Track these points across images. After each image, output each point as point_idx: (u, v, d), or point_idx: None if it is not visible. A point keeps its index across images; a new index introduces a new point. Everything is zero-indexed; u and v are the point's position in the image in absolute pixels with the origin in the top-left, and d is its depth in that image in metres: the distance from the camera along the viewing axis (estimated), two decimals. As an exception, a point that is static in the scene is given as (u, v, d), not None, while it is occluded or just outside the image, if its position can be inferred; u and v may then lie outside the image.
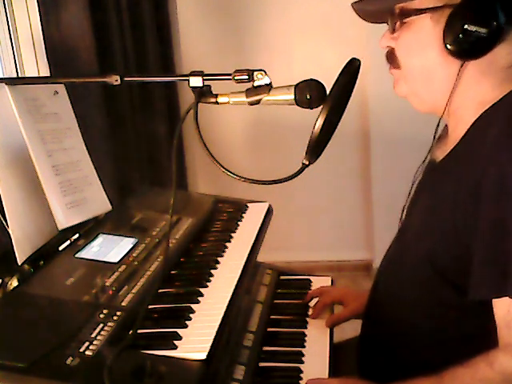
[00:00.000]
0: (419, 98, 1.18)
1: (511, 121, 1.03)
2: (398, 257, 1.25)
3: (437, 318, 1.14)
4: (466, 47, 1.06)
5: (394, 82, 1.20)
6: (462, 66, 1.08)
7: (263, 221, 1.53)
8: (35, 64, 2.30)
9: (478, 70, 1.09)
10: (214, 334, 0.98)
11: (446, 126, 1.23)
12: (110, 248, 1.25)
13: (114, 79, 1.14)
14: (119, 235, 1.31)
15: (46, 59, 2.24)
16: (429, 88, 1.15)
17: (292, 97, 1.06)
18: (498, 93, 1.09)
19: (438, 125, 1.21)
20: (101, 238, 1.30)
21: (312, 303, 1.55)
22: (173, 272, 1.23)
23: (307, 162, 1.05)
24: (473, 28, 1.03)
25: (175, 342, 0.96)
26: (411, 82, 1.17)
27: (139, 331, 0.98)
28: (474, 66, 1.09)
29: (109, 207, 1.43)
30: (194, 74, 1.09)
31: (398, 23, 1.14)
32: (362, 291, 1.43)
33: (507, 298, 0.98)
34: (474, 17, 1.04)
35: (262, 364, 1.28)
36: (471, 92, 1.11)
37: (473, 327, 1.09)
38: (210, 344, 0.95)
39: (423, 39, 1.12)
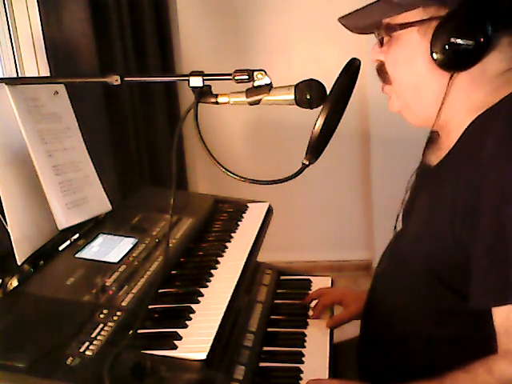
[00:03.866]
0: (411, 111, 1.17)
1: (510, 125, 1.02)
2: (395, 260, 1.25)
3: (435, 320, 1.13)
4: (453, 59, 1.04)
5: (388, 100, 1.20)
6: (451, 77, 1.07)
7: (263, 221, 1.53)
8: (35, 64, 2.29)
9: (470, 80, 1.08)
10: (214, 334, 0.98)
11: None
12: (109, 248, 1.25)
13: (114, 79, 1.14)
14: (119, 235, 1.31)
15: (46, 59, 2.23)
16: (419, 100, 1.14)
17: (292, 97, 1.06)
18: (493, 98, 1.08)
19: (430, 132, 1.20)
20: (101, 238, 1.29)
21: (312, 304, 1.55)
22: (173, 272, 1.23)
23: (307, 162, 1.04)
24: (459, 40, 1.02)
25: (175, 341, 0.96)
26: (402, 96, 1.16)
27: (139, 331, 0.98)
28: (464, 76, 1.08)
29: (109, 207, 1.43)
30: (194, 73, 1.09)
31: (386, 37, 1.14)
32: (362, 292, 1.43)
33: (507, 305, 0.97)
34: (461, 29, 1.03)
35: (262, 364, 1.28)
36: (463, 101, 1.10)
37: (472, 329, 1.09)
38: (210, 344, 0.95)
39: (411, 52, 1.11)
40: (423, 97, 1.13)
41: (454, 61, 1.05)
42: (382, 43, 1.15)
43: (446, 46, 1.04)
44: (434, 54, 1.05)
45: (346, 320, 1.50)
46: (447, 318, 1.12)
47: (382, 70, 1.17)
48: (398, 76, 1.15)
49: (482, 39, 1.02)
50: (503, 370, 0.99)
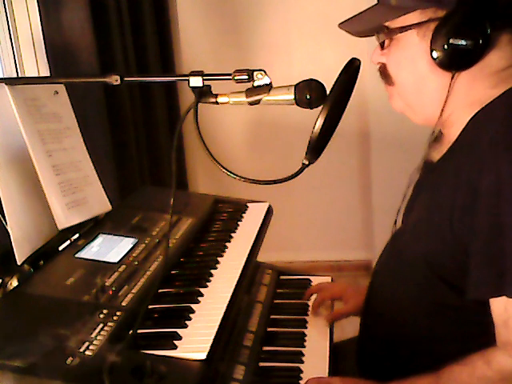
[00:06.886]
0: (413, 111, 1.18)
1: (507, 121, 1.03)
2: (395, 256, 1.25)
3: (434, 316, 1.14)
4: (454, 59, 1.05)
5: (389, 98, 1.21)
6: (452, 77, 1.08)
7: (263, 221, 1.53)
8: (35, 64, 2.30)
9: (470, 77, 1.09)
10: (213, 334, 0.98)
11: None
12: (109, 248, 1.25)
13: (114, 79, 1.14)
14: (119, 235, 1.31)
15: (46, 59, 2.24)
16: (421, 101, 1.15)
17: (292, 97, 1.06)
18: (493, 93, 1.08)
19: (433, 131, 1.21)
20: (101, 238, 1.29)
21: (311, 299, 1.56)
22: (173, 272, 1.24)
23: (307, 162, 1.05)
24: (458, 41, 1.03)
25: (175, 341, 0.96)
26: (404, 97, 1.17)
27: (139, 331, 0.98)
28: (465, 74, 1.09)
29: (109, 207, 1.43)
30: (193, 73, 1.09)
31: (387, 40, 1.15)
32: (361, 287, 1.44)
33: (504, 297, 0.98)
34: (459, 29, 1.04)
35: (262, 364, 1.28)
36: (463, 97, 1.11)
37: (471, 325, 1.10)
38: (209, 344, 0.95)
39: (412, 54, 1.12)
40: (425, 97, 1.14)
41: (455, 61, 1.06)
42: (383, 46, 1.16)
43: (446, 47, 1.04)
44: (435, 55, 1.06)
45: (345, 314, 1.50)
46: (446, 313, 1.12)
47: (384, 72, 1.18)
48: (400, 78, 1.16)
49: (481, 38, 1.03)
50: (502, 361, 1.00)
